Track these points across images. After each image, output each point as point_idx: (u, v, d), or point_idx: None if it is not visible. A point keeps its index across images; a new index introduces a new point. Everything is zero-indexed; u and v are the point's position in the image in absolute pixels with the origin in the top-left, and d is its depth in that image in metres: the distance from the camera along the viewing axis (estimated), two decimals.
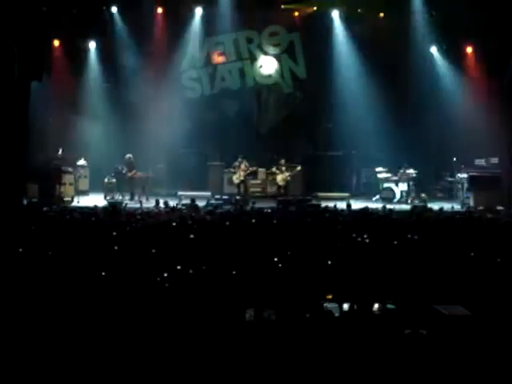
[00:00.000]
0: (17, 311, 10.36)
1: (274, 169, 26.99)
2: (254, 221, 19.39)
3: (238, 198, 25.34)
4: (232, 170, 27.00)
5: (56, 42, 27.93)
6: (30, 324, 9.59)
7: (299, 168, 27.23)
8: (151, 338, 9.56)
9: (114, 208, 21.35)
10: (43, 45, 26.57)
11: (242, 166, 26.72)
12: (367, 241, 16.94)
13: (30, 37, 25.52)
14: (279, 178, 26.76)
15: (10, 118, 25.26)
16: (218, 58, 29.09)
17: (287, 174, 26.65)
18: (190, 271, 13.91)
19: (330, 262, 14.79)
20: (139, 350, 9.03)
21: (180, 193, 25.60)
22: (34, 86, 26.43)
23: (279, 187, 26.83)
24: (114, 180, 26.38)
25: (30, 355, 8.32)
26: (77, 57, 27.97)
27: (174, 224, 18.64)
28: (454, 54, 27.99)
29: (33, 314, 10.31)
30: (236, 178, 26.82)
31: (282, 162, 26.88)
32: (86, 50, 28.29)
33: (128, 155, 26.30)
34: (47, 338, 9.05)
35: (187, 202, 22.45)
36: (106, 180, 26.54)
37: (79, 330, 9.43)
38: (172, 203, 22.65)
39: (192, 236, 17.06)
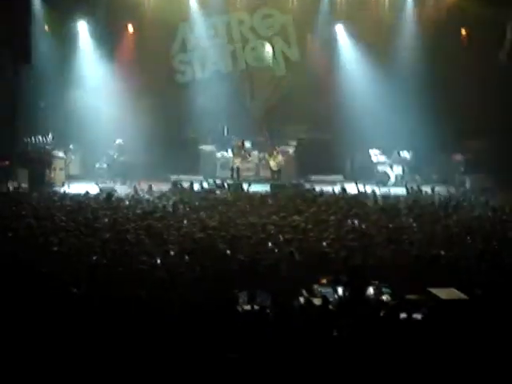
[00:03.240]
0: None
1: (266, 154, 26.79)
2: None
3: (229, 182, 25.13)
4: (225, 154, 26.90)
5: (46, 27, 27.52)
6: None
7: (291, 150, 27.08)
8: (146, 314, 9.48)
9: (106, 194, 21.20)
10: (33, 28, 26.36)
11: (242, 152, 26.59)
12: (363, 226, 16.86)
13: (20, 21, 25.33)
14: (272, 163, 26.55)
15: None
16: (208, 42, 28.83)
17: (280, 158, 26.45)
18: (186, 257, 13.82)
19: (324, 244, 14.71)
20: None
21: (172, 177, 25.41)
22: (23, 70, 26.25)
23: (273, 172, 26.65)
24: (105, 165, 26.16)
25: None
26: (65, 40, 27.56)
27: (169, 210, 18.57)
28: (447, 36, 27.84)
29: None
30: (234, 162, 26.61)
31: (277, 147, 26.70)
32: (74, 33, 27.91)
33: (118, 140, 26.10)
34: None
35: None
36: (96, 165, 26.31)
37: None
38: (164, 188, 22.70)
39: (185, 222, 16.99)
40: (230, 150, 27.27)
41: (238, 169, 26.69)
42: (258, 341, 9.14)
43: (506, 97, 26.19)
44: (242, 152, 26.67)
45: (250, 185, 23.33)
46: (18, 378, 7.95)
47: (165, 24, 28.09)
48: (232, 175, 26.62)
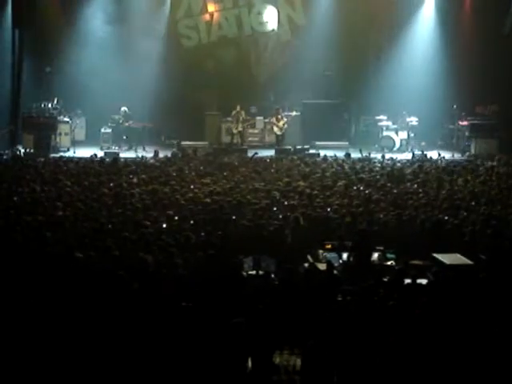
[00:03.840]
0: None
1: (273, 119, 26.69)
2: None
3: (234, 148, 25.16)
4: (229, 119, 26.85)
5: None
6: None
7: (294, 113, 26.99)
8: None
9: (111, 159, 21.25)
10: None
11: (240, 117, 26.51)
12: (366, 192, 16.87)
13: None
14: (276, 128, 26.49)
15: (3, 66, 25.14)
16: (213, 6, 28.64)
17: (284, 121, 26.35)
18: (191, 222, 13.86)
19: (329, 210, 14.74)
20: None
21: (177, 142, 25.47)
22: (28, 35, 26.22)
23: (277, 137, 26.60)
24: (110, 130, 26.15)
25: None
26: (71, 4, 27.41)
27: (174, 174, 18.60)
28: (452, 1, 27.74)
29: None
30: (234, 128, 26.59)
31: (281, 111, 26.59)
32: None
33: (123, 108, 26.00)
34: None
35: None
36: (102, 130, 26.30)
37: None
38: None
39: (192, 187, 17.03)
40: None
41: (240, 134, 26.65)
42: (263, 305, 9.20)
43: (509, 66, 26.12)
44: (241, 118, 26.59)
45: (254, 154, 23.30)
46: (20, 338, 8.01)
47: None
48: (232, 140, 26.62)
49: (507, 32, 26.38)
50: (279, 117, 26.33)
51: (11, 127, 25.22)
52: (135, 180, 17.77)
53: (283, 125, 26.29)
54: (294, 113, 27.05)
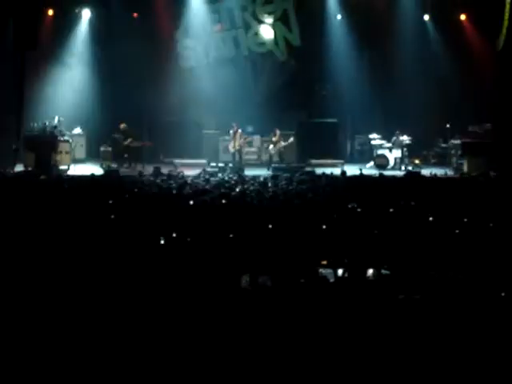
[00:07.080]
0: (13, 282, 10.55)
1: (269, 138, 27.07)
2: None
3: (231, 166, 25.49)
4: (227, 137, 27.21)
5: (50, 11, 27.80)
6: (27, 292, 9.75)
7: (292, 139, 27.28)
8: (146, 308, 9.75)
9: (110, 176, 21.48)
10: (38, 14, 26.59)
11: (238, 135, 26.87)
12: (359, 210, 17.12)
13: (24, 6, 25.58)
14: (272, 148, 26.87)
15: (6, 87, 25.38)
16: (211, 27, 29.05)
17: (281, 144, 26.77)
18: (188, 239, 14.08)
19: (324, 227, 15.00)
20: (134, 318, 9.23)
21: (176, 160, 25.76)
22: (28, 55, 26.54)
23: (270, 156, 26.97)
24: (110, 148, 26.46)
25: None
26: (71, 25, 27.83)
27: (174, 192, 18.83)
28: (446, 21, 28.13)
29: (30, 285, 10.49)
30: (231, 147, 26.97)
31: (278, 132, 26.95)
32: (79, 18, 28.17)
33: (123, 125, 26.35)
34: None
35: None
36: (102, 148, 26.63)
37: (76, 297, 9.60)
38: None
39: (191, 202, 17.28)
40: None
41: (238, 152, 27.02)
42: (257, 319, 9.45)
43: (503, 83, 26.45)
44: (238, 137, 26.96)
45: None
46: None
47: (171, 11, 28.45)
48: (234, 159, 27.00)
49: (500, 48, 26.77)
50: (274, 139, 26.74)
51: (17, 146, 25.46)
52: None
53: (279, 148, 26.69)
54: (291, 139, 27.32)
